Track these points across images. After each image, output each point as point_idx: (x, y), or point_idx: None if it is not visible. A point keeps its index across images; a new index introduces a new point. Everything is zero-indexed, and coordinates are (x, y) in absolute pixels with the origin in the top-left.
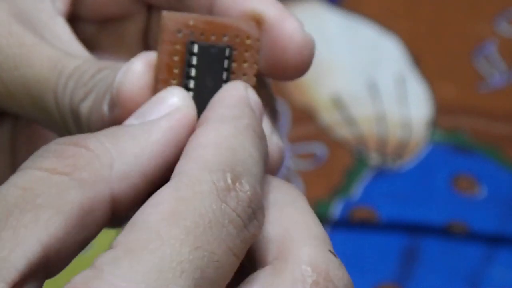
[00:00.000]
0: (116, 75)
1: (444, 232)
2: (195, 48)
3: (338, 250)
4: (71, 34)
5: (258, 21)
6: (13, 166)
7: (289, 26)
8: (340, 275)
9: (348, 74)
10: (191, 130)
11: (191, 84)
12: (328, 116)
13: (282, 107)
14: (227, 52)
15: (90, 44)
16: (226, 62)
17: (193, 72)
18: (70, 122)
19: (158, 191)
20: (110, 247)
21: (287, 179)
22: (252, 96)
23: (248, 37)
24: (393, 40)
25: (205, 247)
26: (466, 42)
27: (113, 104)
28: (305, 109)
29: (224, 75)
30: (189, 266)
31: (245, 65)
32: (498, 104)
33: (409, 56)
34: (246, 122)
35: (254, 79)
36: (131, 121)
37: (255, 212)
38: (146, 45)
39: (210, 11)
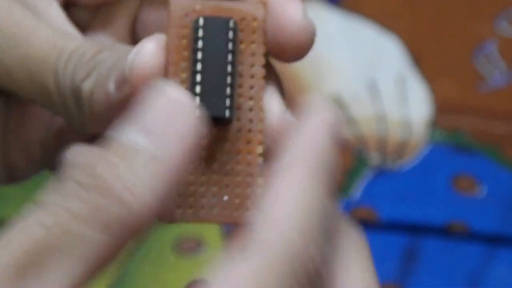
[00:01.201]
0: (118, 55)
1: (444, 232)
2: (201, 21)
3: None
4: (66, 19)
5: (264, 3)
6: (4, 149)
7: (292, 9)
8: None
9: (348, 74)
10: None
11: (199, 65)
12: None
13: None
14: (231, 23)
15: (81, 29)
16: (231, 34)
17: (199, 52)
18: (70, 102)
19: (234, 264)
20: None
21: None
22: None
23: (254, 19)
24: (393, 40)
25: None
26: (466, 42)
27: (122, 82)
28: None
29: (230, 45)
30: None
31: (253, 45)
32: (498, 104)
33: (409, 56)
34: (331, 183)
35: (262, 59)
36: (136, 137)
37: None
38: (134, 33)
39: None
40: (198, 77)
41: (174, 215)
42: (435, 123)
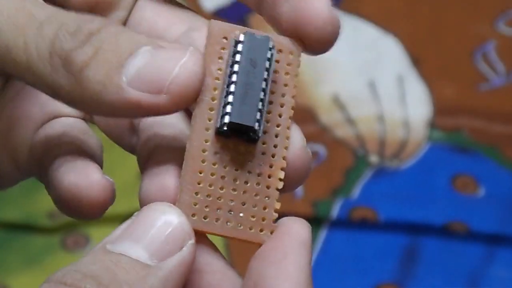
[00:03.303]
0: (127, 43)
1: (443, 231)
2: (241, 37)
3: (338, 250)
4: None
5: (300, 39)
6: None
7: (316, 3)
8: None
9: (348, 74)
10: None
11: (234, 77)
12: (328, 116)
13: None
14: (270, 43)
15: None
16: (269, 53)
17: (236, 65)
18: (47, 67)
19: None
20: None
21: None
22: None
23: (291, 52)
24: (392, 40)
25: None
26: (465, 43)
27: (156, 89)
28: (305, 109)
29: (267, 64)
30: None
31: (287, 77)
32: (498, 104)
33: (409, 56)
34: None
35: (294, 91)
36: (139, 253)
37: None
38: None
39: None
40: (232, 88)
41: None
42: (434, 123)
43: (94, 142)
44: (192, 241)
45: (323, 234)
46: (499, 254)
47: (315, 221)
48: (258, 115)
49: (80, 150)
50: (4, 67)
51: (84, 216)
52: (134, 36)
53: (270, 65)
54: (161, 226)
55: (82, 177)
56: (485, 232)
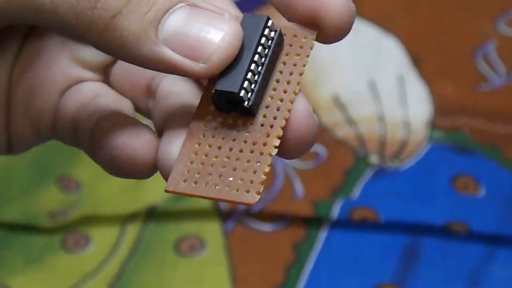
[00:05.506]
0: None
1: (444, 232)
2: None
3: (338, 250)
4: None
5: (315, 25)
6: (8, 116)
7: None
8: None
9: (348, 74)
10: None
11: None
12: (328, 116)
13: None
14: (269, 21)
15: None
16: (266, 30)
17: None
18: (72, 10)
19: None
20: None
21: (288, 178)
22: None
23: (305, 37)
24: (393, 40)
25: None
26: (465, 43)
27: (196, 56)
28: None
29: (263, 39)
30: None
31: (297, 57)
32: (498, 104)
33: (409, 57)
34: None
35: (302, 69)
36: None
37: None
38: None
39: None
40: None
41: (178, 186)
42: (434, 123)
43: (127, 104)
44: None
45: (323, 234)
46: (500, 254)
47: (315, 222)
48: (245, 84)
49: (121, 112)
50: (28, 14)
51: (136, 176)
52: None
53: (270, 43)
54: None
55: (135, 137)
56: (486, 232)
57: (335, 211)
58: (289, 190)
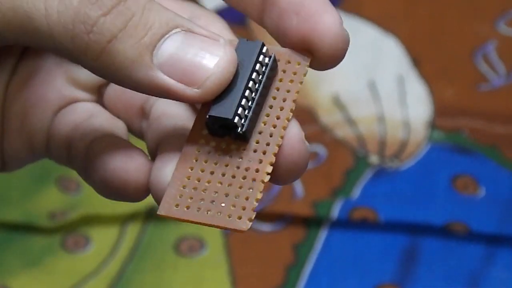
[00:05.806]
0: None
1: (443, 232)
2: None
3: (338, 251)
4: None
5: (309, 51)
6: (1, 123)
7: (329, 18)
8: None
9: (348, 75)
10: None
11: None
12: (328, 116)
13: None
14: (264, 48)
15: None
16: (261, 56)
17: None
18: (69, 33)
19: None
20: None
21: None
22: None
23: (298, 63)
24: (392, 41)
25: None
26: (466, 43)
27: (190, 81)
28: (305, 109)
29: (257, 66)
30: None
31: (290, 84)
32: (498, 104)
33: (409, 57)
34: None
35: (295, 95)
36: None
37: None
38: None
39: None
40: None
41: (170, 210)
42: (434, 124)
43: (121, 126)
44: None
45: (323, 234)
46: (499, 255)
47: (315, 222)
48: (240, 110)
49: (114, 134)
50: (24, 37)
51: (128, 199)
52: (164, 13)
53: (265, 69)
54: None
55: (128, 160)
56: (485, 232)
57: (335, 211)
58: (289, 190)
